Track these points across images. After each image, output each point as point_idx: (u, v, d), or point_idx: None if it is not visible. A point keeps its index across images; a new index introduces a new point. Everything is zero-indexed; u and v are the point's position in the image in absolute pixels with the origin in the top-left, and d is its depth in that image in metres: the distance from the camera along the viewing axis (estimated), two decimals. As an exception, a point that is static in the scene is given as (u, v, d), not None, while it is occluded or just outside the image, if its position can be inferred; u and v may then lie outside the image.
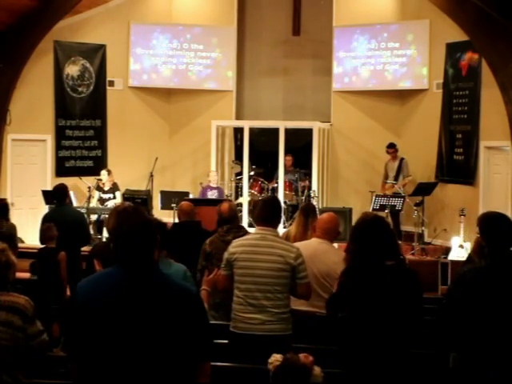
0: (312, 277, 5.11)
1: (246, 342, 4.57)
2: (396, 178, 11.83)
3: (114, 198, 11.71)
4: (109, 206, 11.28)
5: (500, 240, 3.89)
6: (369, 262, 3.83)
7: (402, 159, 11.98)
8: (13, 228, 7.62)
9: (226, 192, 12.57)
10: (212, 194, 11.85)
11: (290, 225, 11.66)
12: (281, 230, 11.30)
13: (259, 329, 4.54)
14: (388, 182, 11.87)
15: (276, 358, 3.68)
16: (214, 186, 12.00)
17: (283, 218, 11.78)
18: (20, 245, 10.30)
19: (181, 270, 4.20)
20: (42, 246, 7.35)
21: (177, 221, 8.06)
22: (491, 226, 3.96)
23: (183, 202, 7.13)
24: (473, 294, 3.80)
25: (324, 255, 5.24)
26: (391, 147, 12.01)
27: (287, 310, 4.71)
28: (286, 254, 4.63)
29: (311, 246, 5.30)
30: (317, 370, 3.58)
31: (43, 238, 7.28)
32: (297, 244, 5.40)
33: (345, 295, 3.94)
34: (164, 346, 2.73)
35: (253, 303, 4.59)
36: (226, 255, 4.75)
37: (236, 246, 4.76)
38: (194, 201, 8.71)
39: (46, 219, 7.77)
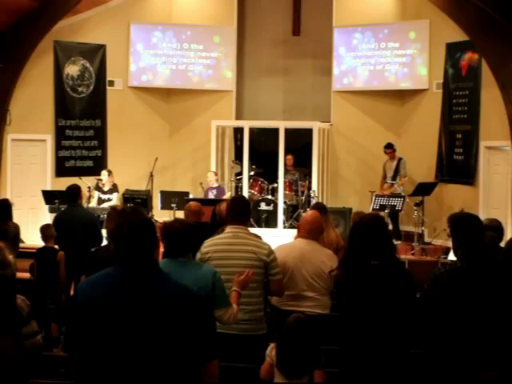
0: (301, 277, 5.14)
1: (220, 342, 4.55)
2: (394, 178, 11.84)
3: (112, 199, 11.71)
4: (106, 207, 11.28)
5: (473, 241, 3.83)
6: (368, 262, 3.83)
7: (400, 159, 11.99)
8: (18, 228, 7.66)
9: (227, 191, 12.55)
10: (212, 194, 11.86)
11: (291, 225, 11.71)
12: (281, 230, 11.38)
13: (233, 328, 4.51)
14: (387, 181, 11.88)
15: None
16: (214, 186, 12.01)
17: (283, 217, 11.80)
18: (20, 245, 10.32)
19: (210, 271, 4.14)
20: (43, 246, 7.36)
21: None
22: (463, 227, 3.91)
23: (191, 202, 7.02)
24: (449, 296, 3.77)
25: (311, 255, 5.23)
26: (389, 147, 12.02)
27: (261, 307, 4.73)
28: (259, 250, 4.67)
29: (297, 247, 5.30)
30: None
31: (42, 237, 7.31)
32: (282, 246, 5.41)
33: (344, 297, 3.95)
34: (165, 345, 2.73)
35: None
36: (198, 255, 4.71)
37: (208, 245, 4.75)
38: (195, 201, 8.66)
39: (58, 220, 7.80)
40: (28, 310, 3.88)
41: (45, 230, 7.25)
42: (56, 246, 7.44)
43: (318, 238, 5.42)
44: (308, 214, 5.51)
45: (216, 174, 12.18)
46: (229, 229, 4.82)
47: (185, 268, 3.90)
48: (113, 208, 5.95)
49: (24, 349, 3.86)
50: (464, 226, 3.89)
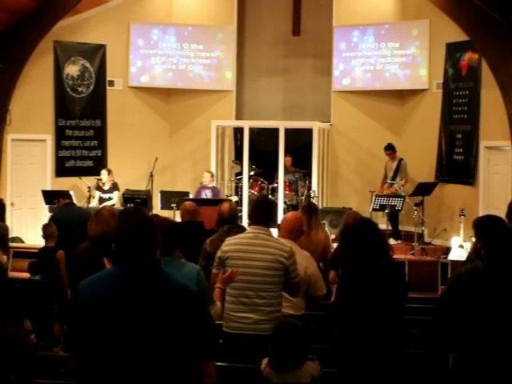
0: None
1: (238, 342, 4.55)
2: (394, 178, 11.83)
3: (113, 197, 11.71)
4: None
5: (496, 241, 3.88)
6: (364, 262, 3.86)
7: (400, 160, 11.97)
8: (5, 229, 7.65)
9: (226, 192, 12.57)
10: (205, 194, 11.86)
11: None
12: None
13: (252, 328, 4.52)
14: (387, 181, 11.88)
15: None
16: (209, 186, 12.00)
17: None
18: (20, 245, 10.34)
19: (194, 270, 4.14)
20: (44, 245, 7.36)
21: (179, 220, 8.06)
22: (487, 228, 3.97)
23: (186, 202, 7.10)
24: (469, 295, 3.79)
25: None
26: (388, 149, 11.99)
27: (279, 308, 4.71)
28: (279, 252, 4.65)
29: None
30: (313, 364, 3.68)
31: (42, 235, 7.32)
32: None
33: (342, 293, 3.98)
34: (165, 345, 2.73)
35: (245, 302, 4.59)
36: (218, 253, 4.74)
37: (229, 244, 4.76)
38: (193, 201, 8.71)
39: (55, 219, 7.80)
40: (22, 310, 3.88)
41: (45, 229, 7.26)
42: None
43: (298, 239, 5.38)
44: (289, 214, 5.52)
45: (212, 174, 12.10)
46: (251, 229, 4.82)
47: (169, 267, 3.86)
48: (99, 210, 5.80)
49: (28, 335, 3.87)
50: (487, 226, 3.97)
